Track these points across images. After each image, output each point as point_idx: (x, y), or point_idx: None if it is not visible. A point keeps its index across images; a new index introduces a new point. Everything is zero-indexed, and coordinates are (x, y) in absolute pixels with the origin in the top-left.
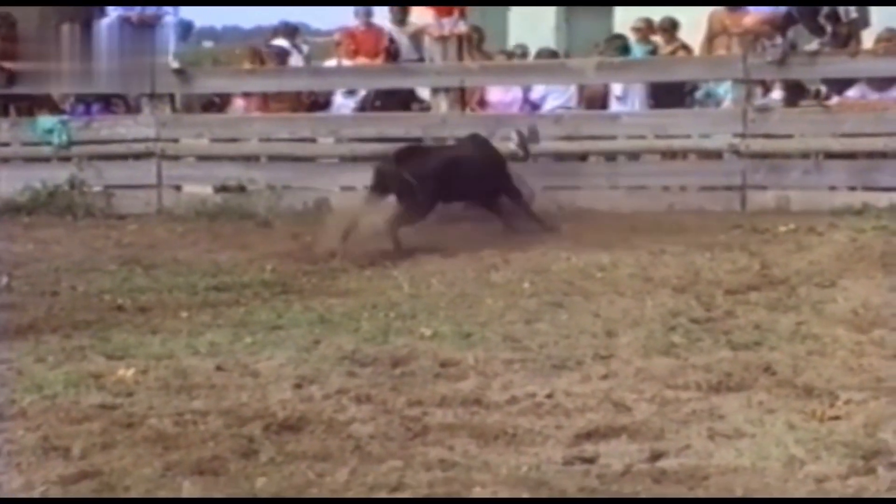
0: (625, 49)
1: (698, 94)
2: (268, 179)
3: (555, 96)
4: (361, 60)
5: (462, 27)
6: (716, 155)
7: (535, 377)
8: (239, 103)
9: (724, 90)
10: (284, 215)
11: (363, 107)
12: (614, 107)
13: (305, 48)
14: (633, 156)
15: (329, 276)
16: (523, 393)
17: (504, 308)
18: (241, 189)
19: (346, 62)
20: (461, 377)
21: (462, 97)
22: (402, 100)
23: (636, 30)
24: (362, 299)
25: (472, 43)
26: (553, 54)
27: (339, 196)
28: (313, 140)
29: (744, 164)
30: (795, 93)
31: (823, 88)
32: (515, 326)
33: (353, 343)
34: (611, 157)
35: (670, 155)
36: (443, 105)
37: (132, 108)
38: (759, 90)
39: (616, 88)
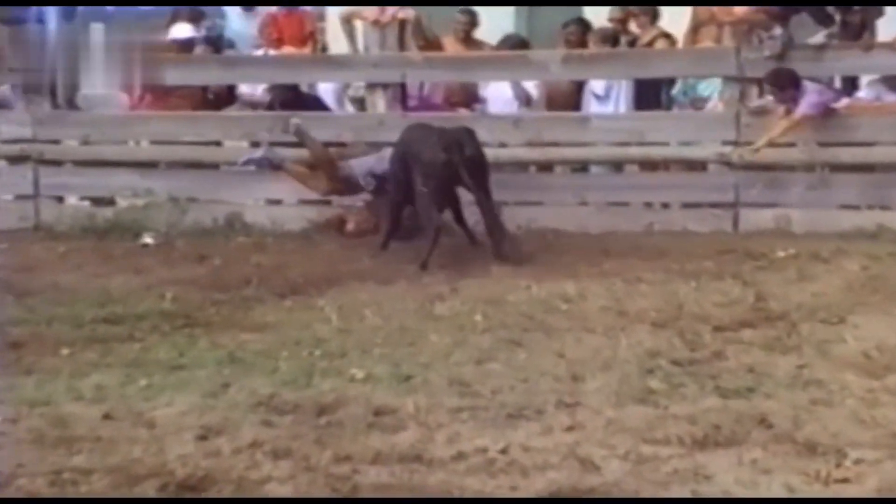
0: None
1: (674, 91)
2: (169, 190)
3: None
4: (287, 49)
5: (405, 12)
6: (703, 166)
7: (486, 429)
8: (121, 98)
9: (709, 88)
10: (189, 233)
11: (271, 105)
12: (594, 107)
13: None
14: (607, 166)
15: (242, 307)
16: (472, 447)
17: (451, 346)
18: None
19: (272, 52)
20: (399, 428)
21: (403, 95)
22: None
23: (614, 20)
24: (282, 334)
25: (416, 30)
26: (522, 43)
27: (255, 211)
28: (219, 144)
29: (736, 177)
30: None
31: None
32: (464, 368)
33: (269, 387)
34: (580, 167)
35: (650, 166)
36: (380, 104)
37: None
38: (754, 90)
39: (597, 86)
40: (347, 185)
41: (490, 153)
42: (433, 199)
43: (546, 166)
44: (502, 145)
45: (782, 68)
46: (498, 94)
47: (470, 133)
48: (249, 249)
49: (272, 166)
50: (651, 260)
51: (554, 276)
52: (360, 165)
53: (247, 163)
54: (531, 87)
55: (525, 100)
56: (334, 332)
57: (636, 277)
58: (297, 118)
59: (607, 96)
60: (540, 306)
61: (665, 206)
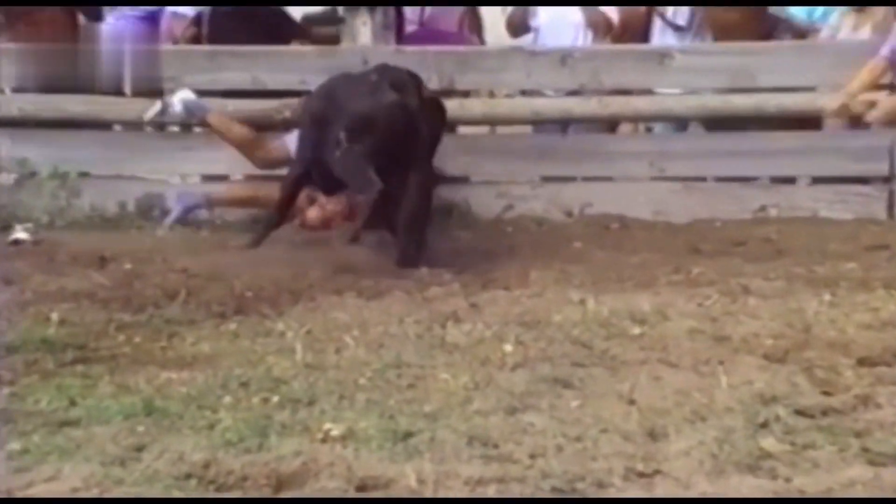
0: None
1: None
2: (52, 161)
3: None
4: None
5: None
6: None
7: None
8: None
9: (816, 12)
10: (83, 225)
11: (196, 36)
12: (668, 40)
13: None
14: (698, 124)
15: (163, 333)
16: None
17: (470, 388)
18: None
19: None
20: None
21: (398, 19)
22: (270, 26)
23: None
24: (222, 372)
25: None
26: None
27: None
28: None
29: (893, 139)
30: None
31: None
32: (489, 420)
33: (204, 449)
34: (655, 125)
35: (762, 123)
36: (363, 32)
37: None
38: None
39: (675, 13)
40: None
41: (519, 105)
42: (366, 158)
43: (608, 124)
44: (537, 93)
45: None
46: (556, 21)
47: (414, 75)
48: (174, 248)
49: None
50: (764, 261)
51: (620, 285)
52: (291, 141)
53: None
54: (612, 11)
55: (603, 26)
56: (299, 369)
57: (742, 287)
58: (184, 89)
59: (689, 28)
60: (600, 330)
61: (786, 181)
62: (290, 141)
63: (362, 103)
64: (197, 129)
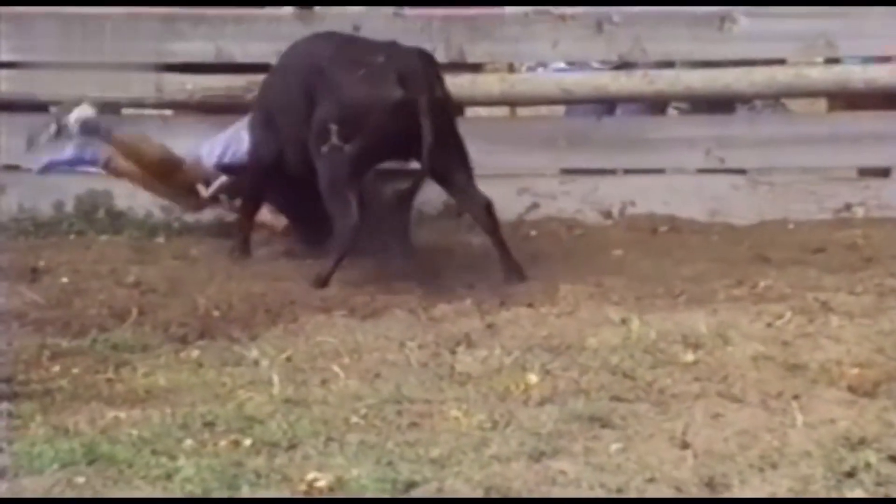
0: None
1: None
2: None
3: None
4: None
5: None
6: None
7: None
8: None
9: None
10: (9, 228)
11: None
12: None
13: None
14: (766, 103)
15: (110, 361)
16: None
17: (486, 427)
18: None
19: None
20: None
21: None
22: None
23: None
24: (182, 409)
25: None
26: None
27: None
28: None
29: None
30: None
31: None
32: (509, 468)
33: None
34: (712, 105)
35: (845, 101)
36: None
37: None
38: None
39: None
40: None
41: (545, 82)
42: (353, 167)
43: (653, 103)
44: (570, 64)
45: None
46: None
47: (430, 60)
48: (123, 256)
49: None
50: (847, 271)
51: (669, 302)
52: (210, 155)
53: (47, 168)
54: None
55: None
56: (277, 406)
57: (820, 303)
58: (81, 105)
59: None
60: (645, 356)
61: (876, 174)
62: (206, 154)
63: (361, 92)
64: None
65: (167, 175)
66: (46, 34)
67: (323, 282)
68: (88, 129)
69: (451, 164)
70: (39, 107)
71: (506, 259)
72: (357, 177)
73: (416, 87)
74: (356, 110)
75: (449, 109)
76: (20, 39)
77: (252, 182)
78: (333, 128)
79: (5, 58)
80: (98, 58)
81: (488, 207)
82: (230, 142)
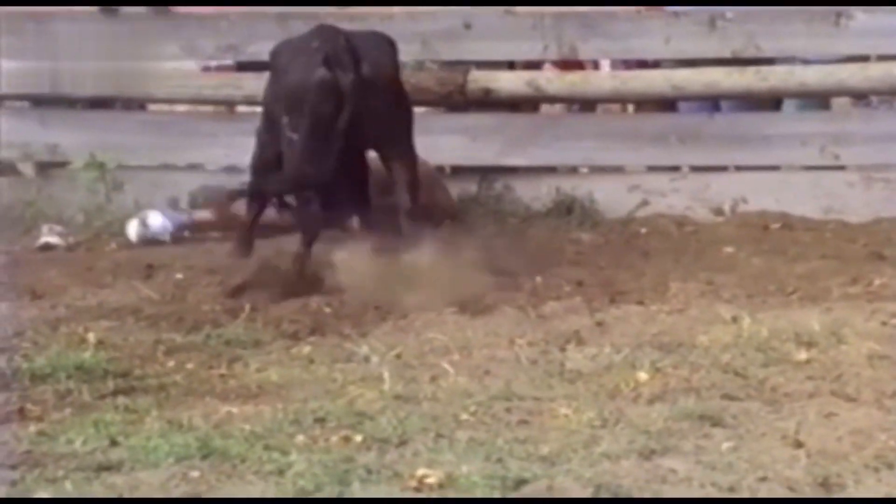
0: None
1: None
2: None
3: None
4: None
5: None
6: None
7: None
8: None
9: None
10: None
11: None
12: None
13: None
14: (884, 100)
15: (223, 357)
16: None
17: (595, 425)
18: None
19: None
20: None
21: None
22: None
23: None
24: (293, 405)
25: None
26: None
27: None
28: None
29: None
30: None
31: None
32: (620, 465)
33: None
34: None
35: None
36: None
37: None
38: None
39: None
40: None
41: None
42: (305, 154)
43: (766, 100)
44: (686, 63)
45: None
46: None
47: (386, 43)
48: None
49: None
50: None
51: (782, 299)
52: None
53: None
54: None
55: None
56: (387, 402)
57: None
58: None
59: None
60: (757, 355)
61: None
62: None
63: (295, 77)
64: None
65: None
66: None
67: (296, 275)
68: (169, 226)
69: (391, 151)
70: None
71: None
72: (312, 160)
73: (343, 66)
74: (291, 98)
75: (379, 92)
76: None
77: (255, 183)
78: (285, 120)
79: None
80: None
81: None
82: None
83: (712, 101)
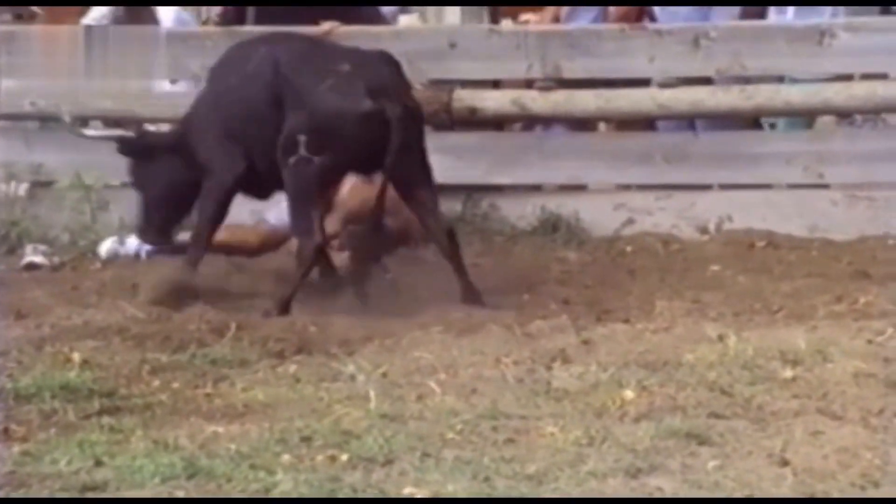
0: None
1: None
2: (72, 167)
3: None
4: None
5: None
6: None
7: None
8: None
9: None
10: None
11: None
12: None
13: None
14: (869, 117)
15: (209, 376)
16: None
17: (582, 444)
18: None
19: None
20: None
21: None
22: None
23: None
24: (279, 424)
25: None
26: None
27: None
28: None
29: None
30: None
31: None
32: (606, 485)
33: None
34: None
35: None
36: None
37: None
38: None
39: None
40: None
41: (641, 98)
42: (320, 180)
43: (749, 119)
44: (664, 85)
45: None
46: None
47: (396, 66)
48: (221, 270)
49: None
50: None
51: (768, 318)
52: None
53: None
54: None
55: None
56: (374, 420)
57: None
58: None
59: None
60: (743, 373)
61: None
62: (276, 220)
63: (332, 102)
64: None
65: (262, 251)
66: None
67: (284, 306)
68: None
69: (418, 179)
70: None
71: (466, 286)
72: (323, 190)
73: (388, 96)
74: (330, 122)
75: (419, 121)
76: None
77: (215, 202)
78: (302, 139)
79: None
80: None
81: (451, 233)
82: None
83: (689, 121)
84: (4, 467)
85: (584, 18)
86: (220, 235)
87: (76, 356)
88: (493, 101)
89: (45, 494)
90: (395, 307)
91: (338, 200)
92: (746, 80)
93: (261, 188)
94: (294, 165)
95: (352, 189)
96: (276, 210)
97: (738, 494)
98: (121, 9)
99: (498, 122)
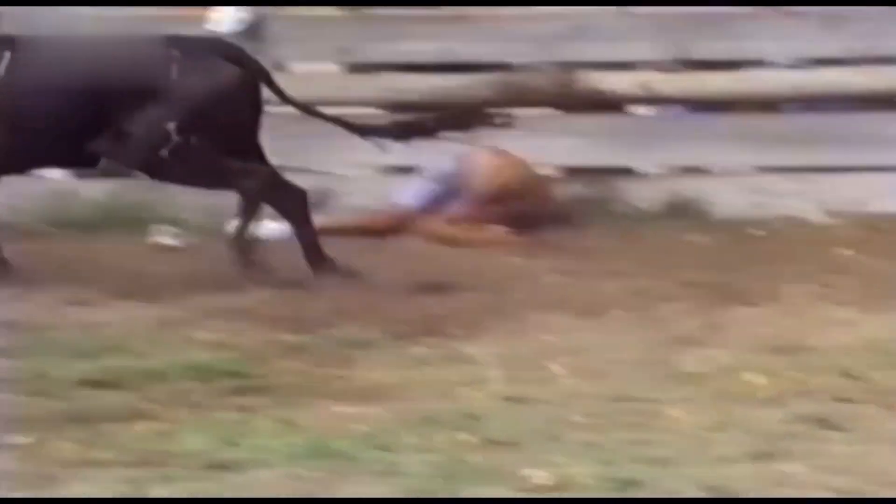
0: None
1: None
2: None
3: None
4: None
5: None
6: None
7: None
8: None
9: None
10: None
11: None
12: None
13: None
14: None
15: (337, 358)
16: None
17: (710, 427)
18: None
19: None
20: None
21: None
22: None
23: None
24: (405, 406)
25: None
26: None
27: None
28: None
29: None
30: None
31: None
32: (732, 469)
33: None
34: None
35: None
36: None
37: None
38: None
39: None
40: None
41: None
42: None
43: (882, 100)
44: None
45: None
46: None
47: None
48: (355, 253)
49: None
50: None
51: (879, 300)
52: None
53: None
54: None
55: None
56: (497, 403)
57: None
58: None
59: None
60: (873, 358)
61: None
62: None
63: (194, 84)
64: None
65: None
66: None
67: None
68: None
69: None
70: None
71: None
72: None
73: (245, 59)
74: (202, 102)
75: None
76: None
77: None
78: (172, 126)
79: None
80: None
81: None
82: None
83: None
84: (138, 445)
85: None
86: (349, 220)
87: (204, 336)
88: (620, 84)
89: (179, 473)
90: (518, 290)
91: (478, 180)
92: (881, 62)
93: None
94: (178, 153)
95: (493, 168)
96: (406, 192)
97: (868, 480)
98: None
99: (624, 105)
